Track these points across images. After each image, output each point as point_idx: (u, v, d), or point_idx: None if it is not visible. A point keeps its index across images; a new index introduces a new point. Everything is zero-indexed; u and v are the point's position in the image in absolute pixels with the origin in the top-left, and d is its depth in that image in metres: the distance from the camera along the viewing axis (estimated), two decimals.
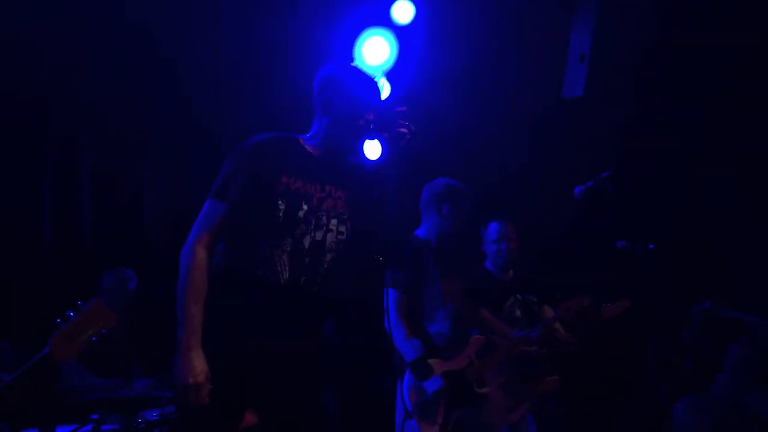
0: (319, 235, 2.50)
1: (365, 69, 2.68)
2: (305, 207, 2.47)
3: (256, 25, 4.84)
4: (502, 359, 3.91)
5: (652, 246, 3.85)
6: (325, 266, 2.51)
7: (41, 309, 4.15)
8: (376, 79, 2.63)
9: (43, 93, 4.49)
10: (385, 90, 4.97)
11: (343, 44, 4.94)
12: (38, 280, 4.39)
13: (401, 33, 4.97)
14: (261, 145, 2.50)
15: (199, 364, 2.30)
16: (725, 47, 4.35)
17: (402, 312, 3.66)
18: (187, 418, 2.46)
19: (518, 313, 4.16)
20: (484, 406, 3.74)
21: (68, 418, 3.47)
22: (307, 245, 2.47)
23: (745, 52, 4.30)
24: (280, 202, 2.44)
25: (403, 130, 2.50)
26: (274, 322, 2.44)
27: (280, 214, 2.43)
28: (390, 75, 5.01)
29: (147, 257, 4.70)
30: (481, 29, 4.84)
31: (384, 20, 4.95)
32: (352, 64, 2.71)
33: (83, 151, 4.71)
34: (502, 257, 4.14)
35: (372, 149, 4.59)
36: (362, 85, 2.58)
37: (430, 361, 3.63)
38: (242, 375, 2.41)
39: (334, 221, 2.54)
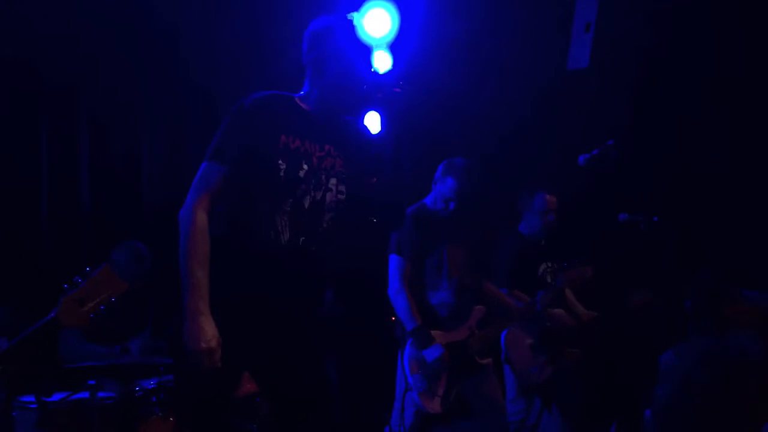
0: (318, 195, 2.45)
1: (362, 32, 2.57)
2: (305, 166, 2.42)
3: None
4: (504, 330, 3.89)
5: (656, 218, 3.82)
6: (324, 225, 2.47)
7: (40, 274, 4.14)
8: (364, 38, 2.52)
9: (40, 56, 4.40)
10: (387, 62, 4.92)
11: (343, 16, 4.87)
12: (37, 246, 4.36)
13: (402, 4, 4.90)
14: (258, 104, 2.43)
15: (210, 329, 2.25)
16: (733, 18, 4.30)
17: (405, 280, 3.64)
18: (187, 386, 2.44)
19: (549, 279, 4.20)
20: (485, 377, 3.72)
21: (65, 384, 3.45)
22: (307, 205, 2.42)
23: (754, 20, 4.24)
24: (280, 161, 2.38)
25: (397, 89, 2.44)
26: (276, 283, 2.39)
27: (281, 173, 2.38)
28: (392, 47, 4.94)
29: (145, 222, 4.64)
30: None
31: None
32: (342, 18, 2.55)
33: (80, 116, 4.66)
34: (546, 227, 4.23)
35: (372, 122, 4.54)
36: (356, 42, 2.48)
37: (432, 332, 3.62)
38: (242, 339, 2.35)
39: (333, 180, 2.49)
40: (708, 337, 1.63)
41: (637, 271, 4.11)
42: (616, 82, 4.51)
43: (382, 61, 4.92)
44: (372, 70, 2.51)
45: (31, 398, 3.29)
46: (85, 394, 3.33)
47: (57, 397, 3.34)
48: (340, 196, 2.50)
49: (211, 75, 4.87)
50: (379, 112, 2.56)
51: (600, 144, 3.55)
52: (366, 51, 2.50)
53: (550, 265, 4.24)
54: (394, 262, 3.68)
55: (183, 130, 5.06)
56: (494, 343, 3.92)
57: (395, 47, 4.92)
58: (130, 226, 4.48)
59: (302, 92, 2.56)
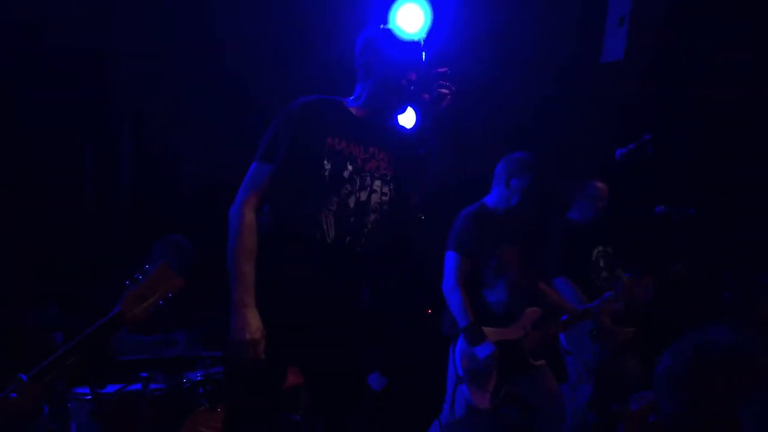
0: (363, 196, 2.52)
1: (404, 33, 2.67)
2: (350, 167, 2.50)
3: None
4: (559, 333, 3.90)
5: (693, 211, 3.84)
6: (369, 226, 2.54)
7: (84, 270, 4.26)
8: (417, 41, 2.61)
9: (84, 52, 4.52)
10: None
11: (377, 12, 4.92)
12: (80, 244, 4.48)
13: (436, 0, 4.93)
14: (306, 106, 2.53)
15: (254, 321, 2.35)
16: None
17: (461, 277, 3.64)
18: (234, 377, 2.53)
19: (602, 263, 4.24)
20: (540, 376, 3.73)
21: (115, 376, 3.57)
22: (352, 205, 2.50)
23: None
24: (325, 162, 2.46)
25: (444, 90, 2.48)
26: (320, 280, 2.47)
27: (326, 174, 2.46)
28: (425, 42, 4.97)
29: (184, 217, 4.74)
30: None
31: None
32: (391, 26, 2.69)
33: (123, 116, 4.78)
34: (598, 214, 4.28)
35: (407, 117, 4.58)
36: (402, 46, 2.57)
37: (484, 329, 3.63)
38: (288, 334, 2.43)
39: (377, 182, 2.56)
40: (700, 333, 1.61)
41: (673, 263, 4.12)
42: (650, 75, 4.51)
43: (422, 50, 4.96)
44: (419, 69, 2.54)
45: (85, 390, 3.42)
46: (137, 386, 3.45)
47: (110, 389, 3.46)
48: (384, 198, 2.57)
49: (246, 69, 4.95)
50: (419, 102, 2.59)
51: (636, 138, 3.58)
52: (412, 56, 2.56)
53: (602, 248, 4.29)
54: (451, 258, 3.68)
55: (220, 127, 5.15)
56: (548, 345, 3.94)
57: (428, 42, 4.95)
58: (170, 219, 4.58)
59: (352, 96, 2.65)
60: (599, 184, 4.28)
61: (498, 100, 5.11)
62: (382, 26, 2.66)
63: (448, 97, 2.48)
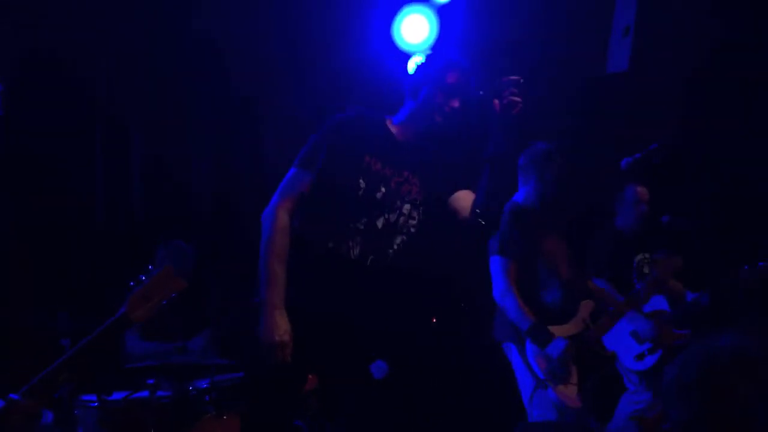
0: (392, 218, 2.56)
1: (450, 56, 2.69)
2: (383, 189, 2.55)
3: (293, 1, 4.88)
4: (616, 322, 3.76)
5: (699, 221, 3.85)
6: (395, 247, 2.57)
7: (95, 279, 4.29)
8: (467, 68, 2.63)
9: (93, 72, 4.60)
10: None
11: (382, 23, 4.95)
12: (91, 252, 4.51)
13: (441, 9, 4.95)
14: (349, 122, 2.60)
15: (284, 323, 2.40)
16: None
17: (511, 280, 3.53)
18: (254, 382, 2.56)
19: (646, 269, 4.18)
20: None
21: (122, 383, 3.57)
22: (380, 226, 2.54)
23: None
24: (361, 181, 2.52)
25: (516, 98, 2.46)
26: (339, 294, 2.51)
27: (360, 192, 2.51)
28: (430, 52, 4.99)
29: (193, 228, 4.78)
30: (522, 3, 4.82)
31: None
32: (446, 52, 2.75)
33: (132, 130, 4.83)
34: (640, 218, 4.25)
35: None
36: (449, 72, 2.59)
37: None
38: (308, 339, 2.46)
39: (407, 206, 2.60)
40: (708, 340, 1.61)
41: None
42: (656, 85, 4.53)
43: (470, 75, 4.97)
44: (463, 99, 2.58)
45: (92, 397, 3.43)
46: (144, 393, 3.46)
47: (117, 396, 3.47)
48: (411, 221, 2.60)
49: (252, 81, 4.99)
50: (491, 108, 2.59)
51: (642, 148, 3.59)
52: (459, 83, 2.58)
53: (646, 255, 4.24)
54: (496, 263, 3.57)
55: (227, 143, 5.20)
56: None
57: (432, 53, 4.97)
58: (179, 229, 4.60)
59: (397, 115, 2.70)
60: (638, 188, 4.26)
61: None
62: (435, 51, 2.71)
63: (520, 105, 2.48)
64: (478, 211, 2.58)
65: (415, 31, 4.94)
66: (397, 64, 4.89)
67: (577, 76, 4.75)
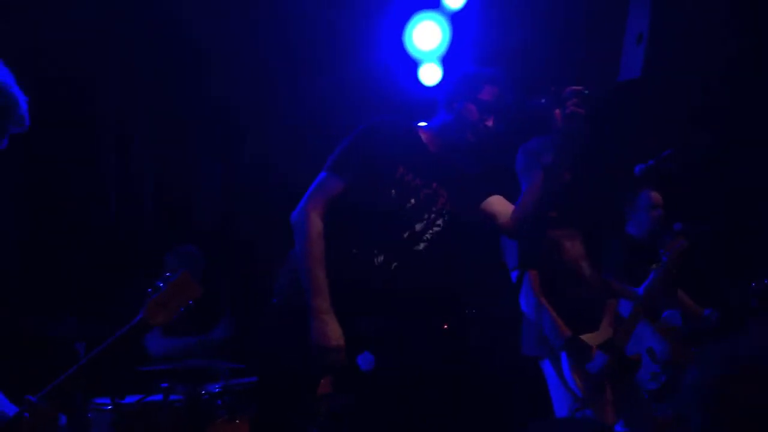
0: (418, 227, 2.58)
1: (488, 69, 2.67)
2: (413, 201, 2.56)
3: (302, 8, 4.88)
4: (641, 319, 3.67)
5: (710, 228, 3.83)
6: (418, 255, 2.59)
7: (104, 286, 4.31)
8: (504, 80, 2.61)
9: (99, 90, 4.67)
10: (437, 75, 4.97)
11: (394, 30, 4.96)
12: (100, 258, 4.53)
13: (453, 17, 4.95)
14: (382, 129, 2.59)
15: (336, 327, 2.41)
16: None
17: (539, 291, 3.44)
18: (270, 387, 2.58)
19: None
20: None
21: (136, 387, 3.58)
22: (406, 236, 2.56)
23: None
24: (393, 190, 2.53)
25: (579, 110, 2.42)
26: (361, 300, 2.52)
27: (390, 201, 2.52)
28: (443, 60, 5.00)
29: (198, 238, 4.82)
30: (535, 10, 4.82)
31: (434, 3, 4.93)
32: (489, 68, 2.71)
33: (140, 147, 4.88)
34: (655, 223, 4.16)
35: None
36: (486, 87, 2.58)
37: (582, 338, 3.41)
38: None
39: (434, 217, 2.61)
40: (727, 344, 1.60)
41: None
42: (669, 93, 4.52)
43: (433, 75, 4.99)
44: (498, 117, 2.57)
45: (106, 400, 3.45)
46: (158, 397, 3.47)
47: (130, 399, 3.49)
48: (436, 229, 2.61)
49: (258, 90, 5.02)
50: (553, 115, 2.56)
51: (656, 154, 3.59)
52: (496, 100, 2.56)
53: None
54: (522, 277, 3.46)
55: (231, 158, 5.23)
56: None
57: (446, 60, 4.98)
58: (187, 238, 4.63)
59: (429, 124, 2.69)
60: (652, 193, 4.17)
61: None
62: (477, 66, 2.71)
63: (581, 115, 2.44)
64: (521, 218, 2.57)
65: (427, 37, 4.94)
66: (408, 72, 4.90)
67: (590, 83, 4.74)
